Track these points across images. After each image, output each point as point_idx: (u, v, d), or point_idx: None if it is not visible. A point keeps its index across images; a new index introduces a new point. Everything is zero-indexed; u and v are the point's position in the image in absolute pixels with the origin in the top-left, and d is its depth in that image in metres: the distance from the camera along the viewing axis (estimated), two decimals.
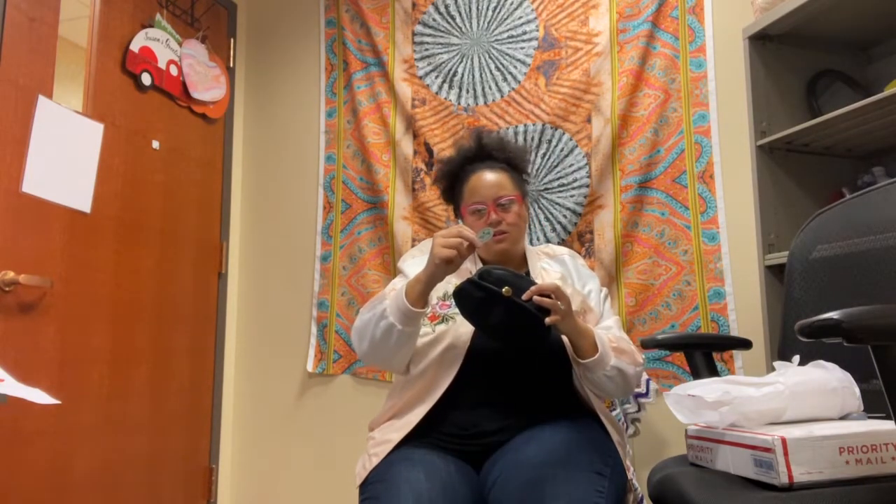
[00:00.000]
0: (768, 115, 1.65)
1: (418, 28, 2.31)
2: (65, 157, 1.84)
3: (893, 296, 1.09)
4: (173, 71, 2.26)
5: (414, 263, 1.41)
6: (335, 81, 2.47)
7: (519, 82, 2.13)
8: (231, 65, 2.59)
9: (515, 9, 2.17)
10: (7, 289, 1.67)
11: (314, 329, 2.37)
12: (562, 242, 1.99)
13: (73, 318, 1.85)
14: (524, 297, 1.11)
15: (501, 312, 1.13)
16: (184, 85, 2.30)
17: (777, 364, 1.12)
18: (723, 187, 1.84)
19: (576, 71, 2.05)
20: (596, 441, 1.17)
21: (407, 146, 2.28)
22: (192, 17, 2.39)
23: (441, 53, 2.27)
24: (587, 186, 1.98)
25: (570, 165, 2.01)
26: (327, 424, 2.33)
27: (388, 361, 1.30)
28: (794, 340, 1.26)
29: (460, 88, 2.22)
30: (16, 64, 1.73)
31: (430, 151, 2.23)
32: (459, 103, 2.22)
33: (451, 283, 1.31)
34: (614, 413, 1.68)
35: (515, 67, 2.14)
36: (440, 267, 1.19)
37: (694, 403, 1.04)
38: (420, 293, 1.21)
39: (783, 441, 0.86)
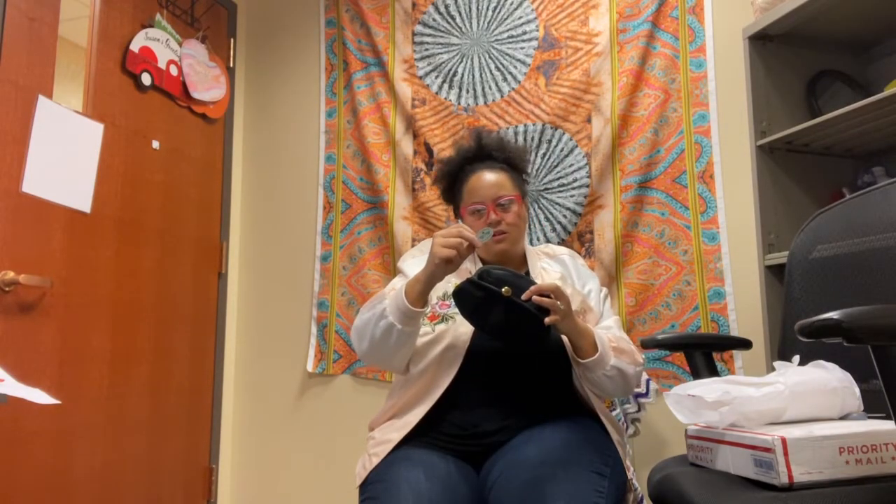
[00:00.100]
0: (768, 115, 1.65)
1: (418, 28, 2.31)
2: (65, 157, 1.84)
3: (893, 296, 1.09)
4: (173, 71, 2.26)
5: (414, 263, 1.41)
6: (335, 81, 2.47)
7: (519, 82, 2.13)
8: (231, 65, 2.59)
9: (515, 9, 2.17)
10: (7, 289, 1.67)
11: (314, 329, 2.37)
12: (562, 242, 1.99)
13: (73, 318, 1.85)
14: (524, 296, 1.11)
15: (501, 312, 1.13)
16: (184, 85, 2.30)
17: (777, 364, 1.12)
18: (723, 187, 1.84)
19: (576, 71, 2.04)
20: (596, 441, 1.17)
21: (407, 146, 2.28)
22: (192, 17, 2.39)
23: (441, 53, 2.27)
24: (587, 186, 1.98)
25: (570, 165, 2.01)
26: (327, 424, 2.33)
27: (388, 361, 1.30)
28: (794, 340, 1.26)
29: (460, 88, 2.22)
30: (16, 64, 1.73)
31: (430, 151, 2.23)
32: (459, 103, 2.22)
33: (450, 282, 1.31)
34: (614, 413, 1.68)
35: (515, 67, 2.14)
36: (440, 267, 1.19)
37: (694, 403, 1.04)
38: (420, 293, 1.21)
39: (783, 441, 0.86)
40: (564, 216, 2.00)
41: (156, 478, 2.12)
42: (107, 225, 1.98)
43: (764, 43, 1.68)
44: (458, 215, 1.51)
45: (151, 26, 2.20)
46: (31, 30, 1.78)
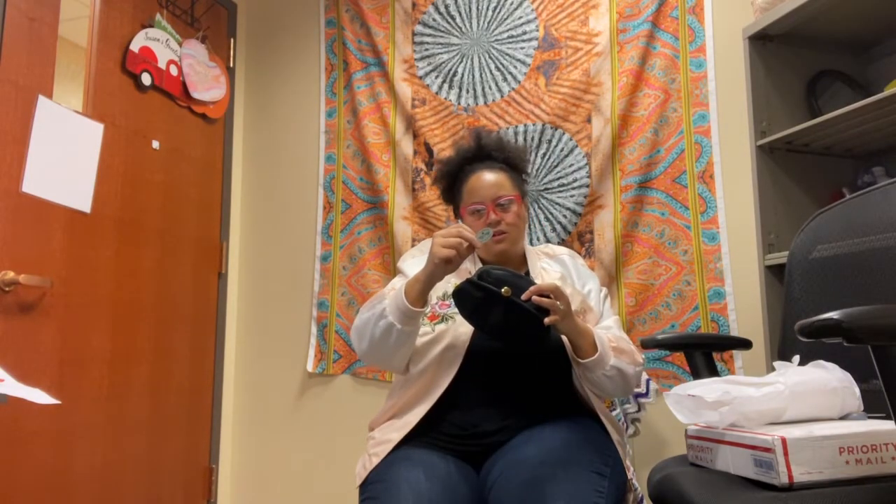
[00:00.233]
0: (768, 115, 1.65)
1: (418, 28, 2.31)
2: (65, 157, 1.84)
3: (893, 296, 1.09)
4: (173, 71, 2.26)
5: (413, 263, 1.41)
6: (335, 81, 2.47)
7: (519, 82, 2.13)
8: (231, 65, 2.59)
9: (515, 9, 2.17)
10: (7, 289, 1.67)
11: (314, 329, 2.37)
12: (562, 242, 1.99)
13: (73, 318, 1.85)
14: (523, 297, 1.11)
15: (500, 312, 1.13)
16: (184, 85, 2.30)
17: (777, 364, 1.12)
18: (723, 187, 1.84)
19: (576, 71, 2.04)
20: (596, 441, 1.17)
21: (407, 146, 2.28)
22: (192, 17, 2.39)
23: (441, 53, 2.27)
24: (587, 186, 1.98)
25: (570, 165, 2.01)
26: (327, 424, 2.33)
27: (388, 361, 1.30)
28: (794, 340, 1.26)
29: (460, 88, 2.22)
30: (16, 64, 1.73)
31: (430, 151, 2.23)
32: (459, 103, 2.22)
33: (450, 282, 1.31)
34: (614, 413, 1.68)
35: (515, 67, 2.14)
36: (439, 266, 1.19)
37: (694, 403, 1.04)
38: (419, 292, 1.21)
39: (783, 441, 0.86)
40: (564, 216, 2.00)
41: (156, 478, 2.12)
42: (107, 225, 1.98)
43: (764, 43, 1.68)
44: (457, 215, 1.51)
45: (151, 26, 2.20)
46: (31, 30, 1.78)
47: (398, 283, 1.36)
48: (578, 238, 1.99)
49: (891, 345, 0.74)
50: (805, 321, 0.76)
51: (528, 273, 1.42)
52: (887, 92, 1.33)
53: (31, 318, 1.73)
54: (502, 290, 1.11)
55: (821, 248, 1.26)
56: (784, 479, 0.84)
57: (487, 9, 2.21)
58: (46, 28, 1.83)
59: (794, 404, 0.97)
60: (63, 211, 1.84)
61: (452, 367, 1.25)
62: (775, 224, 1.62)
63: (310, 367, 2.36)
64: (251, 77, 2.69)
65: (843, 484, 0.84)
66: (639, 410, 1.70)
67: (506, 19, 2.18)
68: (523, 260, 1.47)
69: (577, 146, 2.01)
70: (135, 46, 2.11)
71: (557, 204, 2.01)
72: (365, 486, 1.18)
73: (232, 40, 2.61)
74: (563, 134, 2.04)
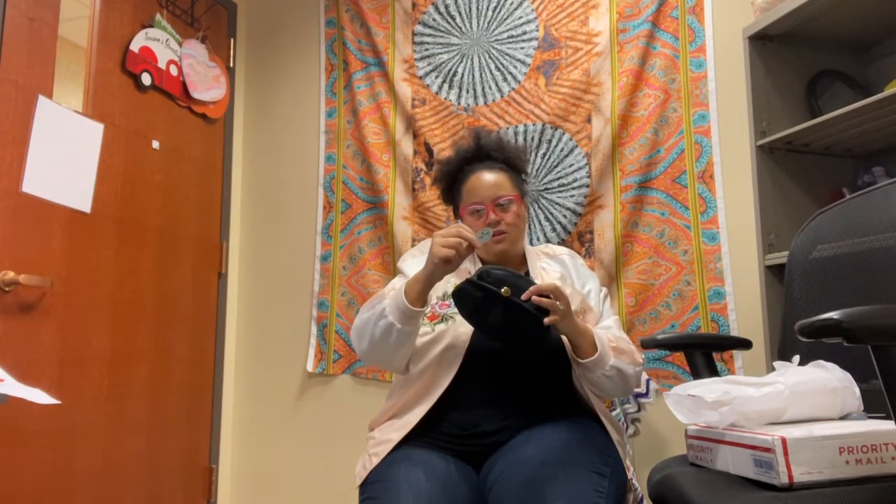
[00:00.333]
0: (768, 115, 1.65)
1: (418, 28, 2.31)
2: (65, 157, 1.84)
3: (893, 296, 1.09)
4: (173, 71, 2.26)
5: (413, 263, 1.41)
6: (335, 81, 2.47)
7: (519, 82, 2.13)
8: (231, 65, 2.59)
9: (515, 9, 2.17)
10: (7, 289, 1.67)
11: (314, 329, 2.37)
12: (562, 242, 1.99)
13: (73, 318, 1.85)
14: (523, 297, 1.11)
15: (500, 312, 1.13)
16: (184, 85, 2.30)
17: (777, 364, 1.12)
18: (723, 187, 1.84)
19: (576, 71, 2.04)
20: (596, 441, 1.17)
21: (407, 146, 2.28)
22: (192, 17, 2.39)
23: (441, 53, 2.27)
24: (587, 186, 1.98)
25: (570, 165, 2.01)
26: (327, 424, 2.33)
27: (388, 361, 1.30)
28: (794, 340, 1.26)
29: (460, 88, 2.22)
30: (16, 64, 1.73)
31: (430, 151, 2.23)
32: (459, 103, 2.21)
33: (450, 282, 1.31)
34: (614, 413, 1.68)
35: (515, 67, 2.14)
36: (439, 266, 1.19)
37: (694, 403, 1.04)
38: (419, 292, 1.21)
39: (783, 441, 0.86)
40: (564, 216, 2.00)
41: (156, 478, 2.12)
42: (107, 225, 1.98)
43: (764, 43, 1.67)
44: (457, 215, 1.51)
45: (151, 26, 2.20)
46: (31, 30, 1.78)
47: (398, 283, 1.36)
48: (578, 238, 1.99)
49: (891, 345, 0.74)
50: (805, 321, 0.76)
51: (527, 273, 1.42)
52: (887, 92, 1.33)
53: (31, 318, 1.73)
54: (502, 290, 1.11)
55: (821, 248, 1.26)
56: (784, 479, 0.84)
57: (487, 9, 2.21)
58: (46, 28, 1.83)
59: (794, 404, 0.97)
60: (63, 211, 1.84)
61: (452, 367, 1.25)
62: (775, 224, 1.62)
63: (310, 367, 2.36)
64: (251, 77, 2.69)
65: (843, 484, 0.84)
66: (639, 410, 1.70)
67: (506, 19, 2.18)
68: (523, 260, 1.47)
69: (577, 146, 2.01)
70: (135, 46, 2.11)
71: (557, 204, 2.01)
72: (365, 486, 1.18)
73: (232, 40, 2.61)
74: (563, 134, 2.04)
